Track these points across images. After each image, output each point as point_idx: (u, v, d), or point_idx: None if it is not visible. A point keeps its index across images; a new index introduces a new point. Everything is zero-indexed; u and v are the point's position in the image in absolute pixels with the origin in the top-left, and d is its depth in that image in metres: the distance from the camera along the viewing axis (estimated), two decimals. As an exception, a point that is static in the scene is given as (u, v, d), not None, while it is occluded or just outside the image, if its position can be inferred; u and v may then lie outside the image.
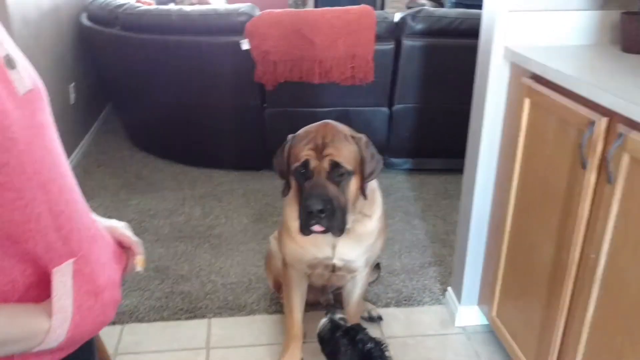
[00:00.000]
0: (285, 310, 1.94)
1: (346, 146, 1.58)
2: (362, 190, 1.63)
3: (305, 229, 1.58)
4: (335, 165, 1.55)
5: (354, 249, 1.74)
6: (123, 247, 0.97)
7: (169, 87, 3.31)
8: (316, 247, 1.73)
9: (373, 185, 1.75)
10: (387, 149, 3.37)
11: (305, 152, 1.56)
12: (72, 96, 3.65)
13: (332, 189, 1.55)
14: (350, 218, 1.65)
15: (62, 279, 0.75)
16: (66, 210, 0.76)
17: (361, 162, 1.61)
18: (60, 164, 0.77)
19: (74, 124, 3.66)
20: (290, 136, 1.67)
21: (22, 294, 0.73)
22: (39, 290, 0.75)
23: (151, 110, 3.54)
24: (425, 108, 3.29)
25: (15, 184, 0.67)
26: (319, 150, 1.55)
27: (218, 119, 3.31)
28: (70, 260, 0.77)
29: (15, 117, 0.67)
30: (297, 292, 1.87)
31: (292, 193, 1.71)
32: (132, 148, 3.80)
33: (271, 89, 3.09)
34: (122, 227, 0.98)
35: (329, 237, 1.69)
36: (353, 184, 1.60)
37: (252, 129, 3.31)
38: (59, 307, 0.75)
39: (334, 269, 1.78)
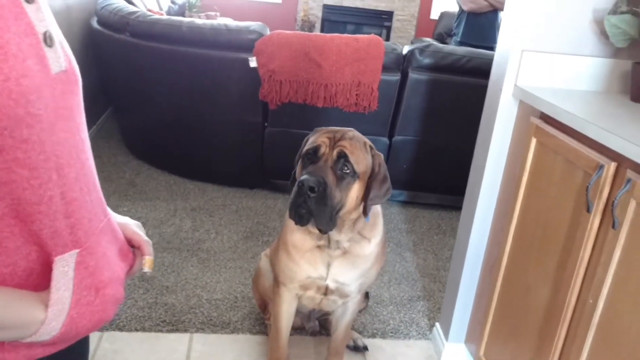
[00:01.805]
0: (271, 331, 1.89)
1: (361, 151, 1.57)
2: (364, 209, 1.60)
3: (292, 210, 1.52)
4: (343, 157, 1.52)
5: (349, 272, 1.70)
6: (132, 246, 0.93)
7: (172, 97, 3.30)
8: (311, 264, 1.69)
9: (377, 209, 1.73)
10: (384, 179, 3.36)
11: (320, 139, 1.55)
12: (73, 98, 3.62)
13: (331, 178, 1.51)
14: (346, 234, 1.63)
15: (64, 268, 0.72)
16: (79, 198, 0.73)
17: (370, 176, 1.59)
18: (82, 151, 0.75)
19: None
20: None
21: (22, 281, 0.70)
22: (40, 279, 0.72)
23: (151, 118, 3.52)
24: (425, 142, 3.30)
25: (33, 162, 0.65)
26: (333, 141, 1.54)
27: (218, 133, 3.30)
28: (75, 251, 0.73)
29: (43, 94, 0.65)
30: (286, 313, 1.82)
31: None
32: (127, 155, 3.77)
33: (274, 108, 3.09)
34: (134, 226, 0.95)
35: (324, 255, 1.66)
36: (355, 189, 1.55)
37: (251, 146, 3.29)
38: (57, 298, 0.71)
39: (326, 291, 1.74)
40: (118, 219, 0.93)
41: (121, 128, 4.01)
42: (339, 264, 1.68)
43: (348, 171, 1.52)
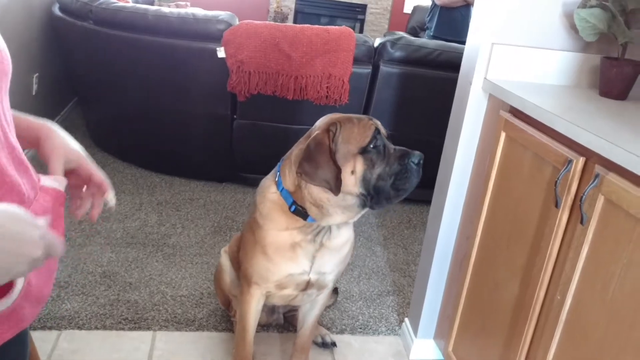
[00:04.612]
0: (237, 329, 1.83)
1: None
2: None
3: (406, 189, 1.51)
4: (388, 135, 1.55)
5: (331, 260, 1.64)
6: (92, 182, 0.90)
7: (137, 87, 3.21)
8: (292, 261, 1.60)
9: None
10: (355, 173, 3.32)
11: (370, 123, 1.49)
12: (34, 87, 3.50)
13: None
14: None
15: None
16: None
17: None
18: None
19: (35, 115, 3.50)
20: (330, 127, 1.48)
21: None
22: None
23: (117, 110, 3.42)
24: (396, 136, 3.23)
25: None
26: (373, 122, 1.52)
27: (185, 125, 3.22)
28: None
29: None
30: (254, 312, 1.73)
31: (274, 206, 1.56)
32: (92, 147, 3.66)
33: (243, 100, 3.02)
34: (87, 159, 0.90)
35: (309, 249, 1.59)
36: None
37: (219, 139, 3.22)
38: None
39: (306, 286, 1.67)
40: (72, 144, 0.89)
41: (86, 119, 3.89)
42: (322, 254, 1.61)
43: None
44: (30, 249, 0.63)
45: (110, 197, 0.87)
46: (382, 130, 1.51)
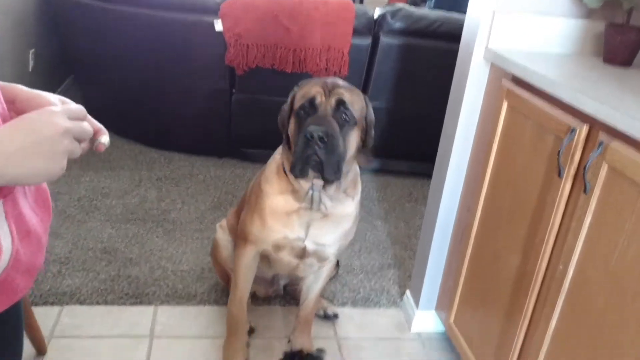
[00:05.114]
0: (231, 287, 1.83)
1: (356, 95, 1.52)
2: (365, 155, 1.58)
3: (299, 163, 1.46)
4: (342, 104, 1.47)
5: (330, 232, 1.65)
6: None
7: (135, 62, 3.16)
8: (288, 227, 1.63)
9: (356, 167, 1.68)
10: (355, 147, 3.30)
11: (314, 89, 1.49)
12: (31, 63, 3.46)
13: (335, 126, 1.46)
14: (336, 191, 1.59)
15: None
16: None
17: (365, 121, 1.55)
18: None
19: (30, 93, 3.46)
20: (294, 87, 1.58)
21: None
22: None
23: (114, 85, 3.38)
24: (396, 109, 3.24)
25: None
26: (328, 89, 1.48)
27: (184, 100, 3.18)
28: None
29: None
30: (245, 267, 1.75)
31: (275, 169, 1.62)
32: (90, 123, 3.62)
33: (242, 73, 2.99)
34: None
35: (303, 216, 1.61)
36: (354, 136, 1.51)
37: (218, 114, 3.19)
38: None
39: (303, 254, 1.69)
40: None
41: (83, 96, 3.84)
42: (320, 225, 1.63)
43: (348, 118, 1.48)
44: (62, 145, 0.69)
45: (104, 139, 0.84)
46: (320, 99, 1.47)
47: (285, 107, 1.59)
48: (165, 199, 2.81)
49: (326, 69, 2.98)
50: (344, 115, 1.47)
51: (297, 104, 1.52)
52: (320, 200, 1.59)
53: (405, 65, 3.08)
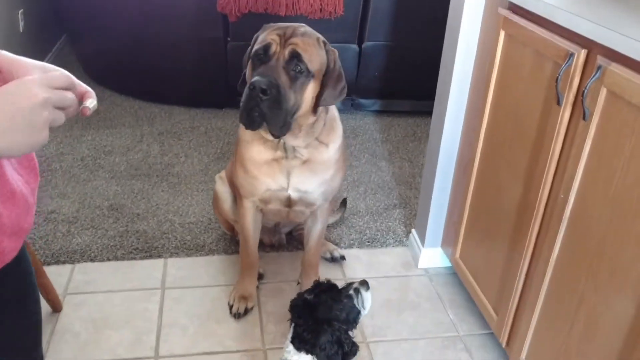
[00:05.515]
0: (240, 241, 1.88)
1: (314, 47, 1.47)
2: (314, 108, 1.51)
3: (243, 114, 1.44)
4: (295, 55, 1.42)
5: (310, 179, 1.65)
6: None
7: (127, 16, 3.10)
8: (269, 176, 1.64)
9: (334, 113, 1.66)
10: (356, 89, 3.26)
11: (270, 37, 1.45)
12: (21, 24, 3.39)
13: (284, 78, 1.42)
14: (304, 140, 1.57)
15: None
16: None
17: (325, 74, 1.50)
18: None
19: (24, 54, 3.40)
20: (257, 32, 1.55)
21: None
22: None
23: (108, 42, 3.32)
24: (396, 46, 3.17)
25: None
26: (285, 39, 1.44)
27: (179, 52, 3.13)
28: None
29: None
30: (252, 222, 1.79)
31: None
32: (89, 82, 3.57)
33: (234, 20, 2.92)
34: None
35: (283, 165, 1.61)
36: (309, 89, 1.47)
37: (214, 64, 3.14)
38: None
39: (289, 203, 1.70)
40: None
41: (78, 54, 3.80)
42: (299, 173, 1.63)
43: (302, 70, 1.44)
44: (42, 117, 0.68)
45: (90, 103, 0.82)
46: (275, 48, 1.43)
47: (249, 49, 1.54)
48: (168, 153, 2.81)
49: (321, 9, 2.90)
50: (297, 67, 1.43)
51: (254, 49, 1.48)
52: (293, 149, 1.58)
53: None
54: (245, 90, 1.42)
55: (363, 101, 3.37)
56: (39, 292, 1.02)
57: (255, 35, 1.54)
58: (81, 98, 0.79)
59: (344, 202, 2.36)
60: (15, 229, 0.78)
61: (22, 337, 0.96)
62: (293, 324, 1.39)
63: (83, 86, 0.81)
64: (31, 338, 0.98)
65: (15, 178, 0.80)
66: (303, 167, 1.62)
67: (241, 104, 1.44)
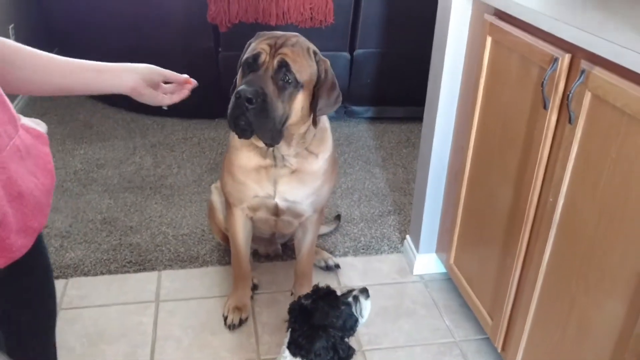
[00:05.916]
0: (232, 251, 1.87)
1: (304, 58, 1.48)
2: (314, 119, 1.53)
3: (230, 122, 1.45)
4: (284, 66, 1.43)
5: (298, 189, 1.65)
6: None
7: (118, 28, 3.11)
8: (256, 183, 1.64)
9: (325, 124, 1.66)
10: (348, 96, 3.26)
11: (260, 46, 1.45)
12: (12, 39, 3.39)
13: (272, 88, 1.43)
14: (294, 149, 1.57)
15: None
16: None
17: (316, 84, 1.50)
18: None
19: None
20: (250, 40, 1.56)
21: None
22: None
23: (100, 54, 3.29)
24: (387, 53, 3.18)
25: None
26: (275, 48, 1.44)
27: (169, 62, 3.08)
28: None
29: None
30: (242, 231, 1.79)
31: None
32: (80, 95, 3.60)
33: (225, 30, 2.93)
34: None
35: (271, 173, 1.61)
36: (299, 100, 1.47)
37: (206, 74, 3.10)
38: None
39: (277, 212, 1.70)
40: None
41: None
42: (287, 182, 1.63)
43: (290, 81, 1.44)
44: None
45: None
46: (264, 57, 1.44)
47: (241, 56, 1.55)
48: (161, 164, 2.81)
49: (311, 18, 2.91)
50: (286, 77, 1.43)
51: (244, 57, 1.49)
52: (283, 157, 1.59)
53: (394, 5, 3.01)
54: (232, 98, 1.42)
55: (356, 108, 3.37)
56: (55, 287, 1.11)
57: (248, 43, 1.54)
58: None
59: (338, 217, 2.37)
60: (22, 228, 0.81)
61: (40, 324, 1.06)
62: (290, 329, 1.39)
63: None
64: (49, 326, 1.10)
65: (27, 180, 0.82)
66: (292, 176, 1.62)
67: (228, 111, 1.44)
